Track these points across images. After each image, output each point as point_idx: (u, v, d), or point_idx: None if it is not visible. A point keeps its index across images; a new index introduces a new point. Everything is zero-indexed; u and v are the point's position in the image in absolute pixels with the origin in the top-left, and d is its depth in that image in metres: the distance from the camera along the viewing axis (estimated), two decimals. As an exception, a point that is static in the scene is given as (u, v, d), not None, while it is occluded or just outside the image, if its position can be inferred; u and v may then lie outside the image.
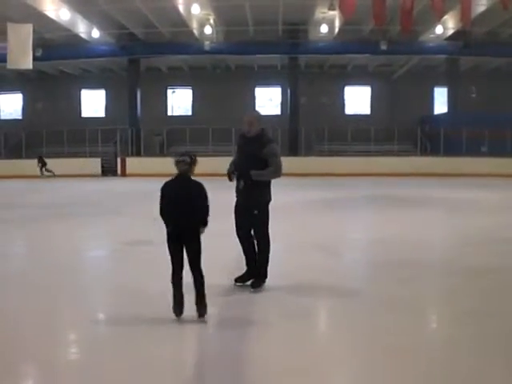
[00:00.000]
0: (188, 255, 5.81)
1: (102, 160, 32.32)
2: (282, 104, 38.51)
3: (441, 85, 36.71)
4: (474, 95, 36.85)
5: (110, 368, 4.60)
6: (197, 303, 5.73)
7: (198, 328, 5.57)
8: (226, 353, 4.99)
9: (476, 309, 6.21)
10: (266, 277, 6.95)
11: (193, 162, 5.90)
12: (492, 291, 7.06)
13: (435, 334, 5.74)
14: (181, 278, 5.80)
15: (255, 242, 6.96)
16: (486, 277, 7.78)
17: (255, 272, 6.99)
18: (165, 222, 5.93)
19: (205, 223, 5.86)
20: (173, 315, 5.70)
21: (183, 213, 5.78)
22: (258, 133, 7.00)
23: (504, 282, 7.55)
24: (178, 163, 5.90)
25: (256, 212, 6.81)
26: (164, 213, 5.93)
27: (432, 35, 30.90)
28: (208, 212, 5.87)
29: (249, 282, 6.96)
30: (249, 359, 4.89)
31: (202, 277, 5.78)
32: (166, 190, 5.95)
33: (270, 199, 7.06)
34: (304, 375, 4.46)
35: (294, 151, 33.09)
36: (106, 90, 39.71)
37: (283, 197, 16.35)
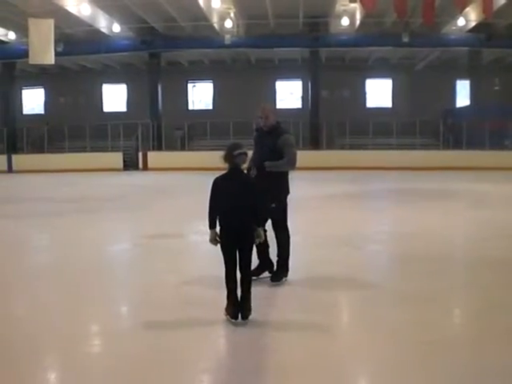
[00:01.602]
0: (242, 256, 5.47)
1: (123, 154, 32.47)
2: (303, 97, 38.40)
3: (463, 77, 36.36)
4: (496, 88, 36.49)
5: (136, 364, 4.60)
6: (241, 306, 5.43)
7: (221, 324, 5.53)
8: (248, 346, 4.97)
9: (504, 302, 6.14)
10: (287, 270, 6.91)
11: None
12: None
13: (462, 328, 5.68)
14: (236, 282, 5.48)
15: (274, 234, 6.91)
16: (510, 270, 7.70)
17: (267, 265, 6.95)
18: (214, 221, 5.58)
19: (259, 224, 5.61)
20: (207, 313, 5.67)
21: (245, 211, 5.42)
22: (274, 125, 6.94)
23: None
24: (238, 156, 5.47)
25: (273, 205, 6.68)
26: (219, 212, 5.54)
27: (454, 27, 30.59)
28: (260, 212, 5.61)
29: (264, 275, 6.90)
30: (269, 354, 4.86)
31: (251, 280, 5.55)
32: (222, 186, 5.54)
33: (288, 192, 6.96)
34: (326, 369, 4.43)
35: (315, 145, 32.97)
36: (128, 85, 39.84)
37: (304, 190, 16.35)
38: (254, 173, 6.48)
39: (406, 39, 30.60)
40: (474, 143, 30.33)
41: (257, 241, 5.59)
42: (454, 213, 14.04)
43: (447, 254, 9.04)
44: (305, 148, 29.59)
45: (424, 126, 33.76)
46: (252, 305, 5.48)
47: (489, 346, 4.87)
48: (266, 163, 6.65)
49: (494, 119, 29.36)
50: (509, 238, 10.18)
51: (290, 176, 6.99)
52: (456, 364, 4.51)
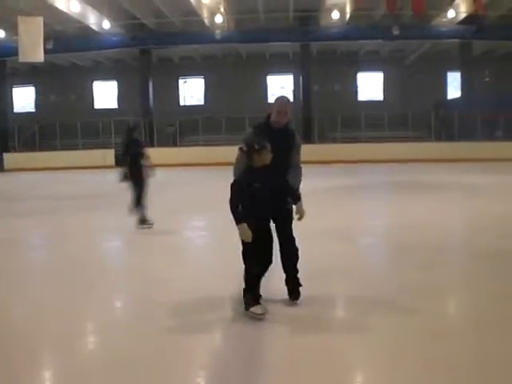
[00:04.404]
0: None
1: (115, 151, 32.38)
2: (295, 91, 38.37)
3: (454, 69, 36.44)
4: (487, 79, 36.56)
5: (132, 361, 4.59)
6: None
7: (220, 319, 5.53)
8: (245, 341, 4.97)
9: (499, 292, 6.15)
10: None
11: None
12: (510, 275, 7.00)
13: (458, 318, 5.70)
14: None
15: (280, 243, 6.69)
16: (504, 260, 7.71)
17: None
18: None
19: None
20: (194, 304, 5.66)
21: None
22: (287, 122, 6.06)
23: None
24: (263, 149, 5.28)
25: (289, 200, 5.94)
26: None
27: (444, 19, 30.62)
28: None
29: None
30: (267, 349, 4.86)
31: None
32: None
33: None
34: (323, 363, 4.43)
35: (307, 139, 32.94)
36: (118, 81, 39.78)
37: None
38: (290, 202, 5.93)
39: (396, 32, 30.60)
40: (465, 135, 30.43)
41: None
42: (449, 204, 14.07)
43: (442, 244, 9.06)
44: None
45: (415, 118, 33.85)
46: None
47: (485, 336, 4.88)
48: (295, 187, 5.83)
49: (485, 111, 29.43)
50: (504, 228, 10.21)
51: None
52: (456, 353, 4.53)
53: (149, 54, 34.60)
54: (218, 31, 31.39)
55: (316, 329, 5.15)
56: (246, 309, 5.42)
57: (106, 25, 29.97)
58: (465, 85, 34.44)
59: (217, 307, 5.72)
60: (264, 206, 5.34)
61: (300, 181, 6.04)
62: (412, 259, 7.92)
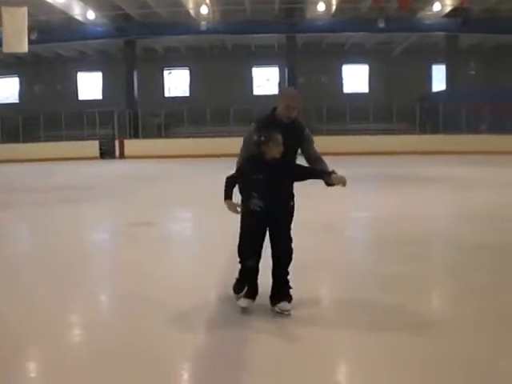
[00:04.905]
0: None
1: (100, 143, 32.25)
2: (280, 84, 38.35)
3: (439, 62, 36.59)
4: (472, 72, 36.71)
5: (117, 356, 4.55)
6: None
7: (204, 314, 5.51)
8: (229, 337, 4.95)
9: (481, 285, 6.16)
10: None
11: None
12: (495, 267, 7.02)
13: (437, 312, 5.71)
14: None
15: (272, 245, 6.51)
16: (489, 253, 7.74)
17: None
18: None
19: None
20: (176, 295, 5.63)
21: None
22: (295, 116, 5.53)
23: (505, 258, 7.51)
24: (269, 141, 5.04)
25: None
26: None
27: (430, 12, 30.72)
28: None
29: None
30: (250, 345, 4.84)
31: None
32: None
33: None
34: (307, 358, 4.42)
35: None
36: (103, 72, 39.57)
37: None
38: None
39: (381, 25, 30.69)
40: (450, 127, 30.55)
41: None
42: (431, 197, 14.11)
43: (425, 237, 9.06)
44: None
45: (401, 110, 33.97)
46: (231, 295, 5.48)
47: (465, 331, 4.89)
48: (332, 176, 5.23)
49: (470, 103, 29.54)
50: (489, 221, 10.25)
51: None
52: (440, 347, 4.53)
53: (133, 45, 34.45)
54: (203, 22, 31.30)
55: (298, 324, 5.11)
56: (237, 298, 5.35)
57: (91, 15, 29.82)
58: (450, 78, 34.58)
59: (202, 302, 5.68)
60: (265, 197, 5.11)
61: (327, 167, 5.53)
62: (396, 252, 7.92)
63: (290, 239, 5.33)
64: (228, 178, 5.24)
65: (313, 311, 5.49)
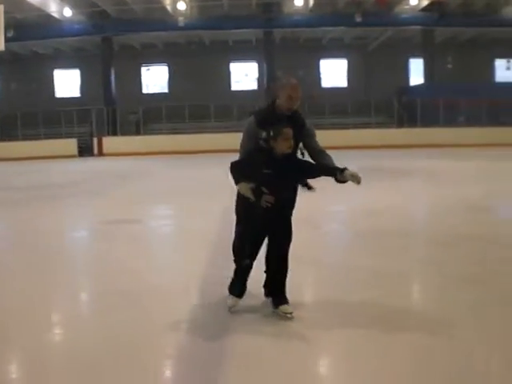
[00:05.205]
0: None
1: (78, 140, 32.04)
2: (259, 79, 38.34)
3: (416, 56, 36.75)
4: (449, 65, 36.94)
5: (97, 353, 4.55)
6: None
7: (188, 308, 5.51)
8: (211, 332, 4.95)
9: (462, 277, 6.22)
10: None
11: None
12: (476, 259, 7.08)
13: (420, 303, 5.75)
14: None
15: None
16: (468, 245, 7.82)
17: None
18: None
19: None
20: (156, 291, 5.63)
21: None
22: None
23: (483, 249, 7.59)
24: (277, 136, 4.88)
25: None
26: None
27: (406, 7, 30.87)
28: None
29: None
30: (234, 340, 4.84)
31: None
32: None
33: None
34: (289, 352, 4.44)
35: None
36: (80, 70, 39.30)
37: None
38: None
39: (359, 19, 30.82)
40: (427, 121, 30.74)
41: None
42: (411, 190, 14.22)
43: (405, 229, 9.13)
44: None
45: (379, 104, 34.11)
46: (215, 291, 5.45)
47: (450, 322, 4.94)
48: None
49: (447, 97, 29.77)
50: (465, 214, 10.35)
51: None
52: (424, 339, 4.56)
53: (110, 42, 34.27)
54: (180, 18, 31.21)
55: (281, 319, 5.11)
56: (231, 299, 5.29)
57: (68, 12, 29.62)
58: (427, 71, 34.77)
59: (184, 298, 5.69)
60: (275, 192, 4.96)
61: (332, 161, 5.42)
62: (372, 245, 7.98)
63: (291, 228, 5.39)
64: (233, 163, 5.00)
65: (297, 304, 5.50)
